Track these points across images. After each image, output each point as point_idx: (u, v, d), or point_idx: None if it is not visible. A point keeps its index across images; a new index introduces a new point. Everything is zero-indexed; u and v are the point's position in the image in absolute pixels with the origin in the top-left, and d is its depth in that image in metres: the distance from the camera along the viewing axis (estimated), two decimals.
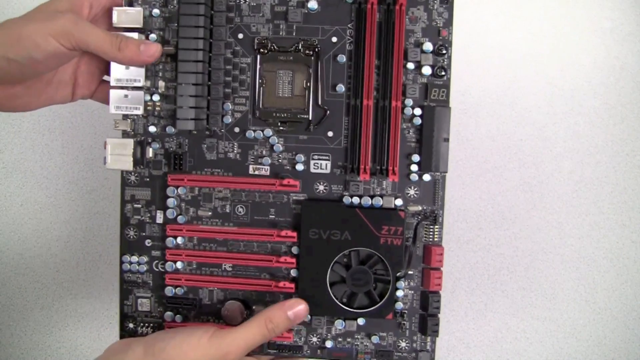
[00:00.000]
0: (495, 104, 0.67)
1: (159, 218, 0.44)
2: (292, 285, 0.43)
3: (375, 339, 0.44)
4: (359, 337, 0.44)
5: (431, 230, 0.44)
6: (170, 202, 0.43)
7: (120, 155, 0.41)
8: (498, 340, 0.67)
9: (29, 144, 0.63)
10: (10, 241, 0.64)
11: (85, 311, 0.64)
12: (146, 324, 0.46)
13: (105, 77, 0.44)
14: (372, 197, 0.43)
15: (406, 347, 0.44)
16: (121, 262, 0.44)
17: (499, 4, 0.66)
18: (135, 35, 0.42)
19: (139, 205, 0.44)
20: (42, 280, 0.64)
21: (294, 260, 0.43)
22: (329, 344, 0.44)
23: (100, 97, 0.46)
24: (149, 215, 0.44)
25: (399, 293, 0.43)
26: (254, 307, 0.45)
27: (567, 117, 0.67)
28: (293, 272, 0.43)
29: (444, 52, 0.42)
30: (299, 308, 0.43)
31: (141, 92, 0.41)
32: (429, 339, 0.44)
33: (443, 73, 0.42)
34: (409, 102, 0.42)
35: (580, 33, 0.68)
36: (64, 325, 0.64)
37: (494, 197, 0.67)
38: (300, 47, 0.43)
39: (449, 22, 0.42)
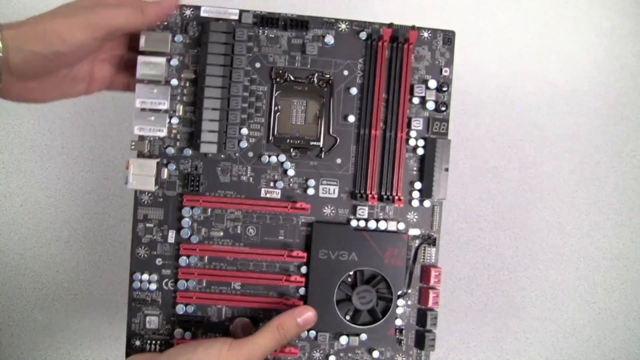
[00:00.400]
0: (495, 104, 0.69)
1: (171, 237, 0.47)
2: (301, 303, 0.47)
3: (375, 353, 0.49)
4: (359, 352, 0.49)
5: (428, 252, 0.49)
6: (185, 222, 0.46)
7: (142, 175, 0.44)
8: (498, 340, 0.69)
9: (29, 144, 0.66)
10: (10, 241, 0.66)
11: (85, 312, 0.67)
12: (154, 341, 0.50)
13: (131, 98, 0.48)
14: (377, 220, 0.47)
15: None
16: (131, 281, 0.46)
17: (499, 4, 0.70)
18: (161, 59, 0.48)
19: (151, 225, 0.47)
20: (42, 281, 0.66)
21: (303, 279, 0.47)
22: (332, 359, 0.48)
23: (118, 86, 0.50)
24: (160, 234, 0.47)
25: (399, 310, 0.48)
26: (260, 324, 0.48)
27: (567, 117, 0.70)
28: (301, 291, 0.48)
29: (445, 89, 0.47)
30: (307, 315, 0.48)
31: (166, 115, 0.45)
32: (423, 352, 0.49)
33: (444, 108, 0.48)
34: (413, 133, 0.48)
35: (580, 33, 0.71)
36: (64, 325, 0.66)
37: (494, 197, 0.69)
38: (314, 79, 0.47)
39: (450, 62, 0.49)
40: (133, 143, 0.47)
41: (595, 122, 0.70)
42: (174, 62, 0.48)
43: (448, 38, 0.50)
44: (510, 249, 0.69)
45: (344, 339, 0.50)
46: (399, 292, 0.50)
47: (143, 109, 0.46)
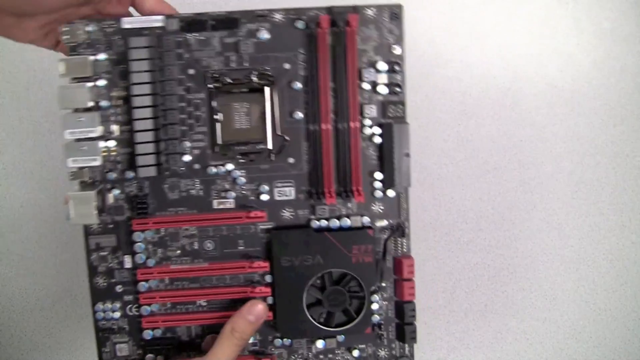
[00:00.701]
0: (495, 105, 0.71)
1: (127, 263, 0.47)
2: (270, 313, 0.46)
3: (356, 352, 0.48)
4: (339, 352, 0.48)
5: (399, 243, 0.47)
6: (138, 247, 0.45)
7: (83, 209, 0.42)
8: (498, 341, 0.72)
9: (29, 145, 0.68)
10: (10, 242, 0.68)
11: (85, 312, 0.68)
12: None
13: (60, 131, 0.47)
14: (339, 218, 0.45)
15: (385, 355, 0.48)
16: (94, 312, 0.45)
17: (499, 4, 0.71)
18: (84, 85, 0.46)
19: (105, 253, 0.46)
20: (43, 282, 0.69)
21: (268, 289, 0.45)
22: None
23: None
24: (116, 261, 0.47)
25: (374, 306, 0.47)
26: None
27: (567, 118, 0.72)
28: (269, 300, 0.46)
29: (398, 69, 0.44)
30: (256, 309, 0.49)
31: (97, 143, 0.43)
32: (406, 345, 0.48)
33: (398, 89, 0.45)
34: (367, 121, 0.45)
35: (580, 33, 0.72)
36: (64, 326, 0.69)
37: (494, 198, 0.72)
38: (253, 78, 0.44)
39: (399, 39, 0.46)
40: (72, 173, 0.45)
41: (596, 122, 0.72)
42: (101, 82, 0.46)
43: (394, 13, 0.48)
44: (510, 249, 0.71)
45: (320, 343, 0.50)
46: (372, 289, 0.48)
47: (73, 140, 0.44)
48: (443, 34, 0.71)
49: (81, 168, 0.48)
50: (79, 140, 0.46)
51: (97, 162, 0.47)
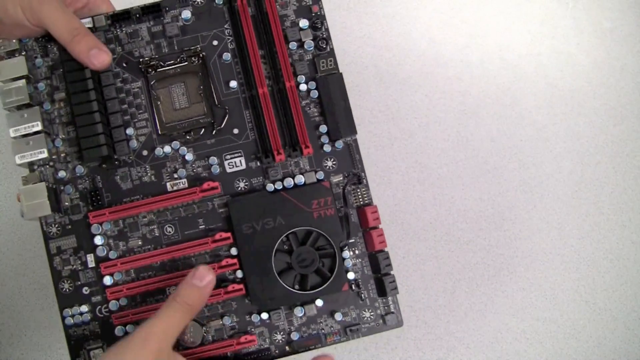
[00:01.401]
0: (495, 105, 0.76)
1: (91, 262, 0.48)
2: (241, 286, 0.47)
3: (338, 316, 0.47)
4: (322, 320, 0.48)
5: (359, 193, 0.47)
6: (98, 239, 0.47)
7: (35, 202, 0.44)
8: (498, 341, 0.72)
9: None
10: (10, 241, 0.71)
11: None
12: None
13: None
14: (293, 177, 0.46)
15: (371, 316, 0.47)
16: (63, 318, 0.45)
17: (499, 4, 0.77)
18: (21, 82, 0.52)
19: (67, 255, 0.47)
20: (42, 281, 0.71)
21: (235, 260, 0.46)
22: (295, 336, 0.47)
23: None
24: (79, 262, 0.48)
25: (348, 263, 0.47)
26: (210, 323, 0.46)
27: (567, 117, 0.76)
28: (239, 273, 0.46)
29: (320, 26, 0.47)
30: (199, 271, 0.49)
31: (42, 135, 0.44)
32: (390, 300, 0.48)
33: (325, 45, 0.47)
34: (301, 79, 0.49)
35: (580, 33, 0.77)
36: None
37: (494, 198, 0.74)
38: (185, 58, 0.46)
39: None
40: (24, 178, 0.47)
41: (596, 122, 0.76)
42: (41, 85, 0.51)
43: None
44: (510, 249, 0.73)
45: (298, 310, 0.50)
46: (341, 243, 0.48)
47: (19, 137, 0.46)
48: (443, 34, 0.79)
49: (33, 169, 0.50)
50: (24, 136, 0.49)
51: (44, 154, 0.50)
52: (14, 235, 0.72)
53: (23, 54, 0.55)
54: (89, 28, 0.55)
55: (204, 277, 0.49)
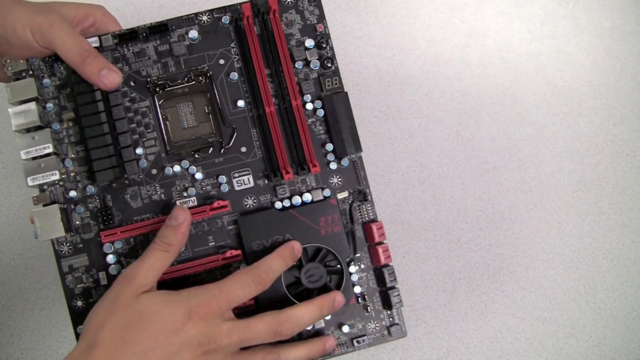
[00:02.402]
0: (495, 104, 0.77)
1: (103, 280, 0.50)
2: (252, 302, 0.48)
3: (345, 328, 0.50)
4: (329, 332, 0.50)
5: (364, 209, 0.50)
6: (110, 258, 0.49)
7: (49, 224, 0.46)
8: (498, 341, 0.74)
9: None
10: (10, 241, 0.72)
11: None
12: None
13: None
14: (300, 195, 0.49)
15: (376, 327, 0.50)
16: (77, 335, 0.48)
17: (499, 5, 0.79)
18: (32, 105, 0.53)
19: (79, 273, 0.49)
20: (42, 281, 0.72)
21: None
22: None
23: None
24: (92, 280, 0.49)
25: (354, 277, 0.50)
26: None
27: (567, 117, 0.77)
28: None
29: (325, 45, 0.50)
30: (174, 211, 0.52)
31: (54, 157, 0.47)
32: (395, 312, 0.50)
33: (330, 64, 0.50)
34: (307, 97, 0.51)
35: (580, 33, 0.79)
36: (64, 325, 0.71)
37: (494, 197, 0.76)
38: (192, 77, 0.49)
39: (321, 17, 0.53)
40: (35, 198, 0.49)
41: (596, 122, 0.77)
42: (50, 106, 0.52)
43: None
44: (510, 248, 0.75)
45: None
46: (347, 259, 0.51)
47: (29, 159, 0.48)
48: (443, 33, 0.79)
49: (44, 190, 0.52)
50: (35, 158, 0.51)
51: (56, 176, 0.52)
52: (14, 235, 0.72)
53: (30, 73, 0.56)
54: (96, 47, 0.56)
55: (178, 217, 0.52)
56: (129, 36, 0.56)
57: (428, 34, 0.78)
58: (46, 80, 0.56)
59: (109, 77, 0.53)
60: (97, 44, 0.56)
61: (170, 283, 0.55)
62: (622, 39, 0.79)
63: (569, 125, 0.77)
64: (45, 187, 0.55)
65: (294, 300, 0.54)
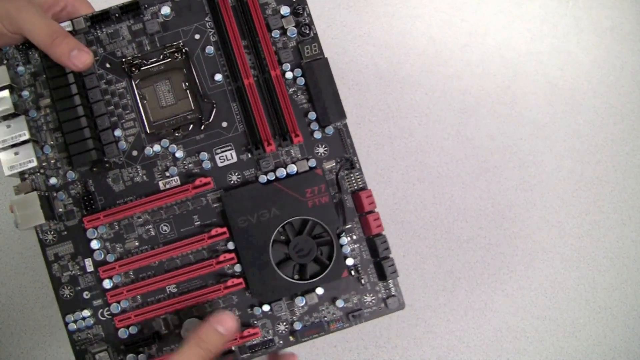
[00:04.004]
0: (495, 104, 0.78)
1: (89, 266, 0.50)
2: (241, 280, 0.49)
3: (340, 302, 0.49)
4: (324, 308, 0.50)
5: (352, 178, 0.49)
6: (94, 244, 0.49)
7: (29, 212, 0.46)
8: (498, 340, 0.75)
9: None
10: (10, 241, 0.73)
11: None
12: None
13: None
14: (285, 166, 0.49)
15: (373, 300, 0.50)
16: (66, 324, 0.48)
17: (499, 4, 0.80)
18: (4, 93, 0.54)
19: (65, 261, 0.50)
20: (42, 280, 0.73)
21: (233, 255, 0.49)
22: (297, 325, 0.50)
23: None
24: (78, 267, 0.50)
25: (346, 249, 0.49)
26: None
27: (567, 116, 0.79)
28: (237, 268, 0.49)
29: (301, 11, 0.49)
30: (226, 320, 0.50)
31: (30, 145, 0.47)
32: (391, 282, 0.50)
33: (308, 30, 0.50)
34: (286, 66, 0.51)
35: (581, 32, 0.80)
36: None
37: (494, 197, 0.77)
38: (167, 54, 0.49)
39: None
40: (16, 187, 0.50)
41: (596, 121, 0.78)
42: (25, 93, 0.53)
43: None
44: (510, 247, 0.76)
45: (299, 300, 0.52)
46: (338, 230, 0.51)
47: (7, 147, 0.49)
48: (443, 32, 0.80)
49: (25, 178, 0.53)
50: (12, 146, 0.52)
51: (33, 163, 0.52)
52: (14, 234, 0.74)
53: (4, 62, 0.56)
54: (69, 31, 0.56)
55: (226, 324, 0.50)
56: (101, 17, 0.55)
57: (428, 33, 0.78)
58: (21, 68, 0.55)
59: (79, 57, 0.53)
60: (70, 28, 0.56)
61: (157, 267, 0.54)
62: (622, 38, 0.80)
63: (569, 124, 0.78)
64: (27, 175, 0.55)
65: (284, 277, 0.52)
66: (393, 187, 0.75)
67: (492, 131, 0.77)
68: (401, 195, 0.75)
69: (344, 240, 0.55)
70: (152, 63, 0.56)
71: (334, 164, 0.56)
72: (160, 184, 0.56)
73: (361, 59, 0.77)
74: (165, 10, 0.56)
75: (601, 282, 0.76)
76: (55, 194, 0.56)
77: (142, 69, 0.56)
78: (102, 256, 0.55)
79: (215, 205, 0.56)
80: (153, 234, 0.55)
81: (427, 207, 0.75)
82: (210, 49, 0.56)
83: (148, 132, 0.56)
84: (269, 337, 0.56)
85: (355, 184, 0.56)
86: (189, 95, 0.56)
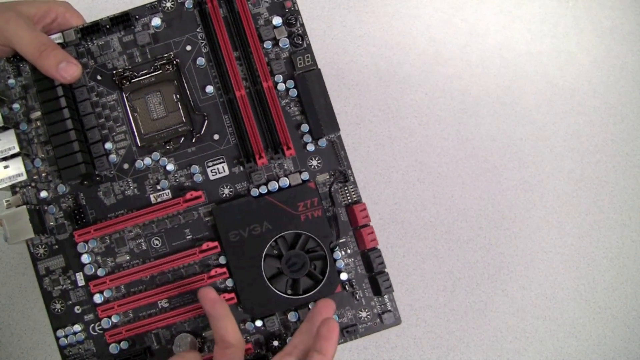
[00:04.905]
0: (495, 104, 0.78)
1: (80, 281, 0.50)
2: (232, 295, 0.49)
3: (334, 317, 0.49)
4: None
5: (346, 191, 0.49)
6: (85, 258, 0.50)
7: (18, 226, 0.47)
8: (498, 340, 0.75)
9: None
10: None
11: None
12: None
13: None
14: (277, 180, 0.49)
15: (368, 316, 0.50)
16: (57, 339, 0.48)
17: (499, 4, 0.80)
18: None
19: (56, 275, 0.50)
20: None
21: (225, 269, 0.48)
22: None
23: None
24: (69, 281, 0.51)
25: (340, 264, 0.49)
26: (204, 335, 0.49)
27: (567, 116, 0.79)
28: (229, 282, 0.49)
29: (294, 22, 0.49)
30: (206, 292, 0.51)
31: (19, 158, 0.47)
32: (386, 298, 0.50)
33: (300, 41, 0.50)
34: (279, 78, 0.51)
35: (581, 32, 0.80)
36: None
37: (493, 197, 0.77)
38: (158, 66, 0.49)
39: None
40: (7, 201, 0.51)
41: (596, 121, 0.79)
42: (16, 106, 0.53)
43: None
44: (510, 248, 0.76)
45: (292, 315, 0.52)
46: (332, 244, 0.51)
47: None
48: (443, 32, 0.79)
49: (15, 192, 0.53)
50: (2, 159, 0.52)
51: (23, 177, 0.52)
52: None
53: None
54: (60, 44, 0.56)
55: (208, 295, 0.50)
56: (92, 29, 0.55)
57: (428, 33, 0.78)
58: (11, 81, 0.55)
59: (67, 69, 0.53)
60: (60, 40, 0.55)
61: (148, 282, 0.54)
62: (622, 38, 0.80)
63: (569, 124, 0.78)
64: (17, 189, 0.55)
65: (277, 292, 0.52)
66: (393, 187, 0.75)
67: (492, 131, 0.77)
68: (401, 195, 0.74)
69: (338, 254, 0.55)
70: (143, 75, 0.55)
71: (328, 177, 0.56)
72: (152, 197, 0.55)
73: (361, 59, 0.76)
74: (156, 21, 0.56)
75: (601, 282, 0.76)
76: (46, 208, 0.56)
77: (132, 81, 0.55)
78: (93, 270, 0.54)
79: (207, 218, 0.55)
80: (144, 248, 0.55)
81: (427, 207, 0.75)
82: (201, 61, 0.56)
83: (139, 144, 0.55)
84: (262, 353, 0.56)
85: (349, 197, 0.56)
86: (180, 107, 0.56)
